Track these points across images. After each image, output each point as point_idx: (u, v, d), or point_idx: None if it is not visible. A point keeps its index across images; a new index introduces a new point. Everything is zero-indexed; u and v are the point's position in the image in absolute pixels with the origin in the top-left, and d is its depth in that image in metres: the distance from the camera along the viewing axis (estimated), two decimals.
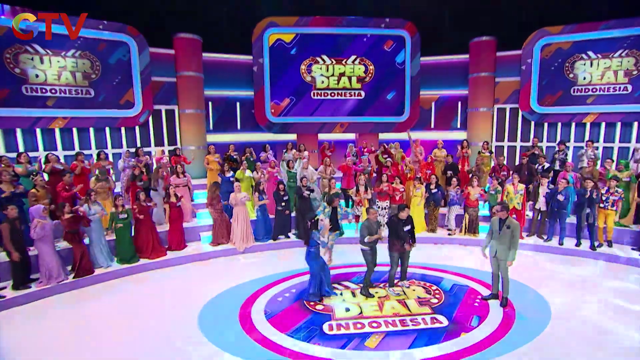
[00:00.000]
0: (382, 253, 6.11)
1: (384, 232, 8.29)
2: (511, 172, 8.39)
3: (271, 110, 12.07)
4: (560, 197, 7.54)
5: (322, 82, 12.10)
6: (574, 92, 10.66)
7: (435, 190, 8.45)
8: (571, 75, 10.64)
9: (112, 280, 6.70)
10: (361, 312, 5.47)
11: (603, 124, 10.66)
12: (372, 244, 5.81)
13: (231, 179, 8.55)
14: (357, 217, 8.78)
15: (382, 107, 12.31)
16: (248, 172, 8.95)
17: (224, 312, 5.54)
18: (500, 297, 5.63)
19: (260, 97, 11.93)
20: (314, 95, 12.15)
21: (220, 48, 12.03)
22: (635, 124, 10.33)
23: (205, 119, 11.99)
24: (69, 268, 6.47)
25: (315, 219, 5.62)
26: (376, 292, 6.09)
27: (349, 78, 12.15)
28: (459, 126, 12.76)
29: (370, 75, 12.17)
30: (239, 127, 12.69)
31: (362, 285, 6.09)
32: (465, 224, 8.53)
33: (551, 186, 8.08)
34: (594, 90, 10.45)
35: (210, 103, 12.24)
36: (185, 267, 7.40)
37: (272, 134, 12.21)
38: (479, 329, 4.98)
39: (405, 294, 6.06)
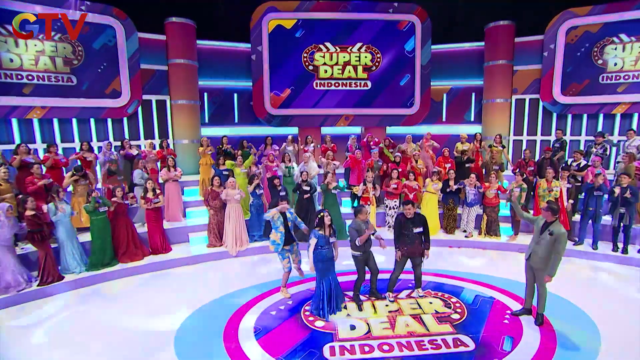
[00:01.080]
0: (389, 259, 5.24)
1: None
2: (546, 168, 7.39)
3: (270, 101, 11.21)
4: (598, 194, 6.61)
5: (326, 71, 11.22)
6: (602, 79, 9.67)
7: (456, 187, 7.54)
8: (600, 62, 9.65)
9: (82, 288, 5.88)
10: (369, 331, 4.59)
11: (636, 115, 9.67)
12: (365, 247, 4.97)
13: (224, 172, 7.72)
14: None
15: (390, 99, 11.41)
16: (244, 168, 8.12)
17: (206, 328, 4.69)
18: (535, 313, 4.73)
19: (258, 88, 11.08)
20: (316, 86, 11.27)
21: (216, 35, 11.20)
22: None
23: (200, 111, 11.18)
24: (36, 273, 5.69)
25: (320, 215, 4.80)
26: (386, 305, 5.21)
27: (355, 67, 11.26)
28: (472, 119, 11.82)
29: (377, 63, 11.27)
30: (236, 120, 11.86)
31: (354, 294, 5.29)
32: (483, 225, 7.63)
33: (575, 182, 7.15)
34: (626, 77, 9.45)
35: (205, 94, 11.43)
36: (167, 273, 6.56)
37: (272, 127, 11.36)
38: (514, 354, 4.09)
39: (420, 307, 5.18)
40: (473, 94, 11.72)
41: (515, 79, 10.67)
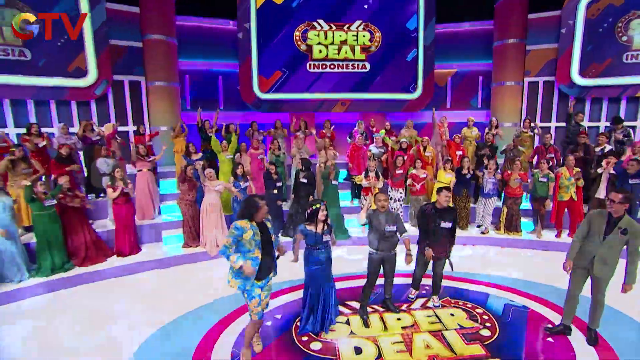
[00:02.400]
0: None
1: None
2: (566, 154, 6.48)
3: (259, 85, 10.11)
4: (635, 181, 5.68)
5: (320, 51, 10.14)
6: (627, 58, 8.76)
7: (469, 176, 6.55)
8: (624, 38, 8.73)
9: (22, 300, 4.78)
10: (380, 356, 3.58)
11: None
12: (382, 245, 3.99)
13: (199, 162, 6.64)
14: None
15: (390, 82, 10.38)
16: (228, 154, 7.05)
17: (171, 351, 3.64)
18: (587, 330, 3.76)
19: (246, 70, 9.97)
20: (310, 68, 10.20)
21: (198, 10, 10.06)
22: None
23: (181, 96, 10.05)
24: None
25: (315, 207, 3.75)
26: (398, 320, 4.21)
27: (352, 47, 10.20)
28: (479, 105, 10.86)
29: (376, 43, 10.23)
30: (221, 105, 10.74)
31: (361, 303, 4.32)
32: (503, 219, 6.67)
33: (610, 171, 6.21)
34: None
35: (187, 76, 10.30)
36: (132, 279, 5.47)
37: (261, 112, 10.28)
38: None
39: (440, 320, 4.19)
40: (480, 78, 10.76)
41: (528, 60, 9.72)
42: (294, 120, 8.57)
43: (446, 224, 4.14)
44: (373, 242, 4.06)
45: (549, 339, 3.82)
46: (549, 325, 3.99)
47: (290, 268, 4.13)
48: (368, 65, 10.34)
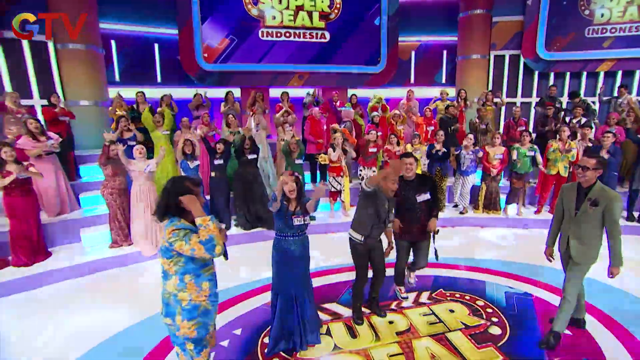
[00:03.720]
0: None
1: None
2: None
3: (204, 54, 8.70)
4: (607, 155, 5.35)
5: (274, 17, 8.94)
6: (588, 33, 8.65)
7: (444, 152, 5.89)
8: (587, 12, 8.58)
9: None
10: None
11: (619, 74, 8.85)
12: (372, 231, 3.12)
13: (129, 142, 5.30)
14: (335, 194, 6.00)
15: (352, 54, 9.48)
16: (164, 130, 5.76)
17: None
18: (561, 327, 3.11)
19: (187, 36, 8.48)
20: (262, 36, 8.97)
21: None
22: None
23: (107, 66, 8.34)
24: None
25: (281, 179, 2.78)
26: (390, 323, 3.39)
27: (309, 14, 9.11)
28: (444, 81, 10.38)
29: (336, 11, 9.24)
30: (158, 78, 9.20)
31: (355, 305, 3.45)
32: (481, 198, 6.15)
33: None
34: (612, 30, 8.51)
35: (113, 43, 8.58)
36: (40, 293, 4.11)
37: (207, 86, 8.91)
38: None
39: (440, 319, 3.44)
40: (444, 52, 10.25)
41: (495, 33, 9.32)
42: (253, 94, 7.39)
43: (422, 197, 3.37)
44: (362, 227, 3.13)
45: (567, 331, 3.22)
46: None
47: (250, 266, 3.11)
48: (327, 35, 9.33)
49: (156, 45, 9.05)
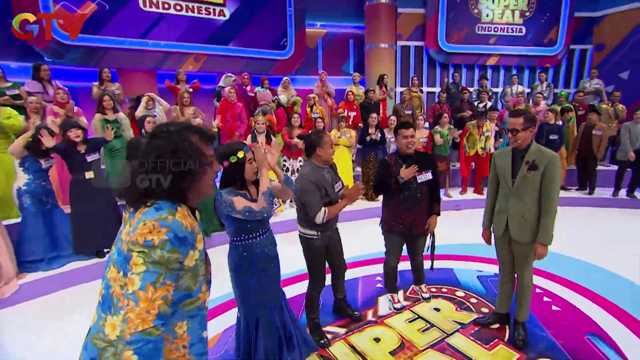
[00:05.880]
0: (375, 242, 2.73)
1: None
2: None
3: (58, 21, 6.51)
4: (554, 137, 5.58)
5: None
6: (478, 30, 9.31)
7: (378, 137, 5.35)
8: (476, 11, 9.20)
9: None
10: None
11: (502, 68, 9.79)
12: (328, 222, 2.38)
13: None
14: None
15: (257, 36, 8.41)
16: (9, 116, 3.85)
17: None
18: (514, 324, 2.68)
19: None
20: (144, 5, 7.21)
21: None
22: (527, 69, 9.82)
23: None
24: None
25: (236, 157, 1.94)
26: (377, 341, 2.55)
27: None
28: (351, 70, 10.06)
29: None
30: None
31: (311, 321, 2.60)
32: None
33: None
34: (496, 29, 9.35)
35: None
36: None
37: (66, 65, 6.78)
38: None
39: (432, 324, 2.81)
40: (351, 41, 9.95)
41: (400, 23, 9.34)
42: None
43: (423, 177, 2.68)
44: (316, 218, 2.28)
45: (554, 306, 2.87)
46: (480, 318, 2.79)
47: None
48: (227, 12, 8.06)
49: None
